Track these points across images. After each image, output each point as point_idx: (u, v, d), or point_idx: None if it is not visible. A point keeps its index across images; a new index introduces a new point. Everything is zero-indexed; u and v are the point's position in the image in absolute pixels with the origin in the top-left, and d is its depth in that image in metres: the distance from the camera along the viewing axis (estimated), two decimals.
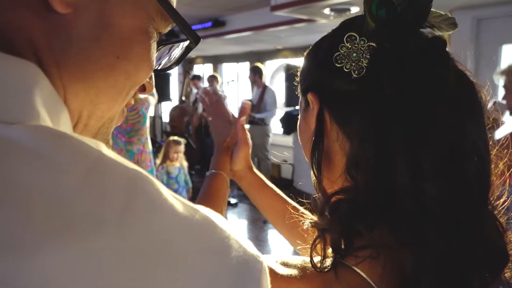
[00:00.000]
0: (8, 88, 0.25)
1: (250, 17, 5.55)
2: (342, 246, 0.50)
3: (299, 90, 0.62)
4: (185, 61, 9.99)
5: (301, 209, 0.81)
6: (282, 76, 5.88)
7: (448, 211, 0.47)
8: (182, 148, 4.08)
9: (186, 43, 0.40)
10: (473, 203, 0.48)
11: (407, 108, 0.47)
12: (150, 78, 0.39)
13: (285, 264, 0.49)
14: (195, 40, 0.38)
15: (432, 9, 0.52)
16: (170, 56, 0.44)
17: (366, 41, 0.51)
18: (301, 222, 0.57)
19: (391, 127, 0.48)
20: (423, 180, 0.46)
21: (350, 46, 0.52)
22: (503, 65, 2.27)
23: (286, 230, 0.88)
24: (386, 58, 0.49)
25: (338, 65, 0.52)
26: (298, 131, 0.63)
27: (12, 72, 0.26)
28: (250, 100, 6.02)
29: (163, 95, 7.38)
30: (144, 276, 0.21)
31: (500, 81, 2.19)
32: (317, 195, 0.60)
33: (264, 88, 5.92)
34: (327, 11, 3.87)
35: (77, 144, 0.24)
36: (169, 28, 0.37)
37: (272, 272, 0.47)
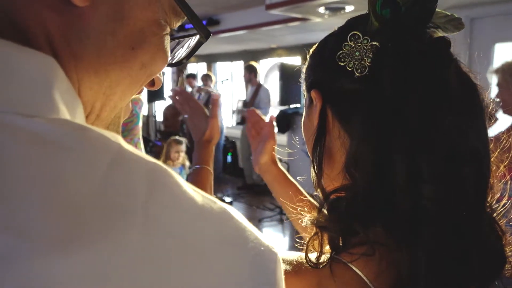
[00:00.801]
0: (27, 81, 0.25)
1: (245, 16, 5.55)
2: (339, 243, 0.50)
3: (304, 87, 0.63)
4: None
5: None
6: (276, 74, 5.88)
7: (444, 213, 0.47)
8: (183, 147, 4.08)
9: (196, 38, 0.41)
10: (469, 205, 0.49)
11: (407, 109, 0.47)
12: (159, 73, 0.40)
13: (282, 260, 0.49)
14: (206, 35, 0.39)
15: (437, 10, 0.52)
16: (179, 51, 0.44)
17: (369, 40, 0.51)
18: (299, 220, 0.57)
19: (391, 127, 0.48)
20: (421, 181, 0.46)
21: (353, 45, 0.52)
22: (496, 63, 2.29)
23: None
24: (388, 58, 0.49)
25: (341, 64, 0.52)
26: (302, 127, 0.63)
27: (31, 65, 0.26)
28: (245, 101, 6.07)
29: (157, 94, 7.37)
30: (169, 264, 0.22)
31: (494, 80, 2.21)
32: (314, 193, 0.60)
33: (259, 86, 5.96)
34: (321, 9, 3.88)
35: (98, 137, 0.25)
36: (179, 23, 0.37)
37: None
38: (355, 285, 0.47)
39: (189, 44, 0.43)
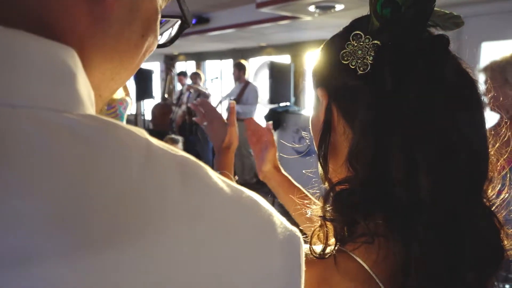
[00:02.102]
0: (53, 74, 0.26)
1: (235, 14, 5.54)
2: (343, 233, 0.52)
3: (312, 86, 0.65)
4: (167, 58, 9.89)
5: None
6: (266, 73, 5.89)
7: (440, 204, 0.49)
8: (180, 146, 4.08)
9: (178, 22, 0.43)
10: (465, 197, 0.50)
11: (405, 104, 0.49)
12: None
13: None
14: (189, 20, 0.42)
15: (435, 8, 0.54)
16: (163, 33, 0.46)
17: (371, 39, 0.54)
18: (304, 211, 0.59)
19: (390, 121, 0.50)
20: (418, 173, 0.48)
21: (356, 44, 0.54)
22: (484, 62, 2.33)
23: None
24: (388, 56, 0.52)
25: (344, 62, 0.55)
26: (310, 124, 0.66)
27: (57, 58, 0.26)
28: (234, 99, 6.09)
29: (145, 93, 7.31)
30: (211, 252, 0.23)
31: (482, 78, 2.25)
32: (322, 185, 0.62)
33: (246, 84, 6.02)
34: (312, 8, 3.89)
35: (128, 133, 0.25)
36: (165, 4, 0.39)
37: None
38: (357, 274, 0.49)
39: (173, 27, 0.45)
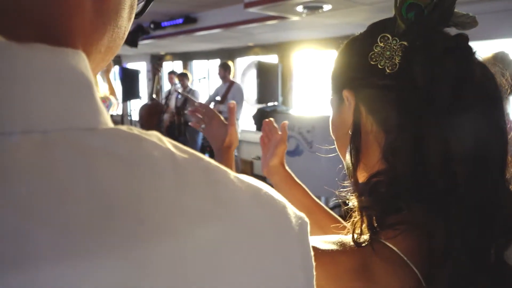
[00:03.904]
0: (73, 88, 0.24)
1: (222, 14, 5.52)
2: (377, 223, 0.56)
3: (330, 90, 0.69)
4: (154, 58, 9.82)
5: (328, 210, 0.92)
6: (253, 73, 5.89)
7: (474, 189, 0.53)
8: None
9: None
10: (493, 181, 0.55)
11: (438, 99, 0.53)
12: None
13: (325, 242, 0.55)
14: None
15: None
16: None
17: (398, 41, 0.58)
18: (343, 202, 0.64)
19: (424, 116, 0.54)
20: (453, 162, 0.53)
21: (383, 45, 0.58)
22: None
23: (312, 225, 0.93)
24: (418, 55, 0.55)
25: (373, 63, 0.58)
26: (331, 126, 0.69)
27: (72, 69, 0.25)
28: (219, 100, 6.11)
29: (132, 93, 7.23)
30: (243, 247, 0.25)
31: None
32: (346, 181, 0.67)
33: (231, 83, 6.10)
34: (300, 8, 3.90)
35: (153, 145, 0.25)
36: None
37: (314, 249, 0.51)
38: (394, 260, 0.53)
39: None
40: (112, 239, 0.21)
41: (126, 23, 0.33)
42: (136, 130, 0.26)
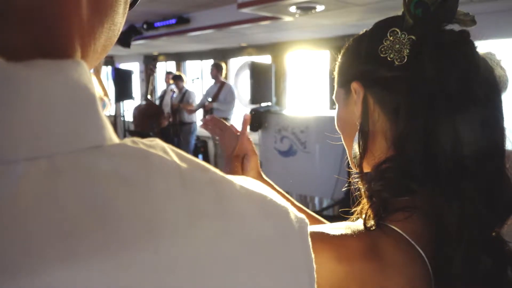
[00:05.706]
0: (77, 105, 0.24)
1: (215, 14, 5.52)
2: (383, 208, 0.59)
3: (336, 83, 0.73)
4: (147, 58, 9.77)
5: (313, 214, 0.94)
6: (247, 73, 5.89)
7: (481, 169, 0.57)
8: None
9: None
10: (497, 162, 0.59)
11: (447, 87, 0.58)
12: None
13: (333, 228, 0.58)
14: None
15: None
16: None
17: (406, 35, 0.62)
18: (354, 188, 0.67)
19: (434, 104, 0.58)
20: (462, 145, 0.57)
21: (393, 39, 0.62)
22: None
23: None
24: (426, 48, 0.60)
25: (382, 55, 0.62)
26: (336, 119, 0.73)
27: (73, 83, 0.24)
28: (211, 100, 6.12)
29: (125, 94, 7.19)
30: (252, 263, 0.25)
31: None
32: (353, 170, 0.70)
33: (222, 84, 6.22)
34: (293, 9, 3.91)
35: (160, 160, 0.25)
36: None
37: (324, 234, 0.56)
38: (401, 242, 0.56)
39: None
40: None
41: (121, 19, 0.33)
42: (142, 144, 0.25)
